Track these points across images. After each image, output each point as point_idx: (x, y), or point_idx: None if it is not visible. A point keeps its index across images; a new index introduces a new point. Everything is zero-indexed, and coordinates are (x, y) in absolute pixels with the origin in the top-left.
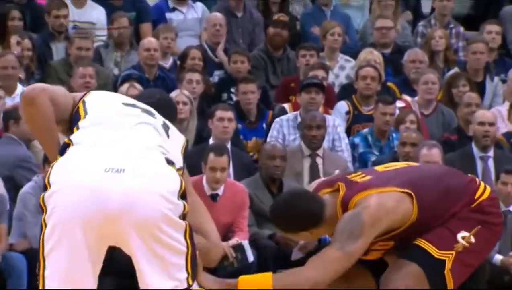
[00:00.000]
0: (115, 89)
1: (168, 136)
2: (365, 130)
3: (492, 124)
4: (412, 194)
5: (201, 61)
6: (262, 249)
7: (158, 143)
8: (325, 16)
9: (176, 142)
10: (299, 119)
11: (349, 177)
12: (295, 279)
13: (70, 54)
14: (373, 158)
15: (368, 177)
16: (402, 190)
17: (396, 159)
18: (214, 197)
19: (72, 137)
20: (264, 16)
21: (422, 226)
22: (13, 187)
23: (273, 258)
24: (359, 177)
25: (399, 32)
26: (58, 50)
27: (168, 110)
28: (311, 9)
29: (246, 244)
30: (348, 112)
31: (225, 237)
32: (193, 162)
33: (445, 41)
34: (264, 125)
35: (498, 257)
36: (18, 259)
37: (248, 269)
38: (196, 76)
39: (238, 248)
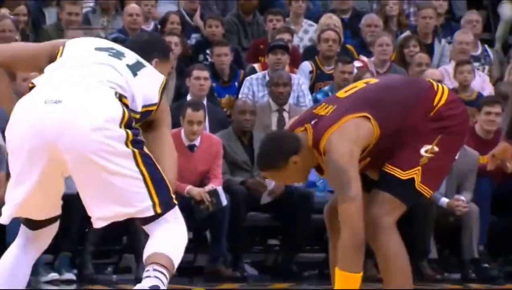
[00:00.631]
0: None
1: (135, 75)
2: (326, 87)
3: (440, 81)
4: (369, 116)
5: (179, 25)
6: (235, 194)
7: (109, 79)
8: None
9: (148, 80)
10: (267, 78)
11: (314, 111)
12: (344, 251)
13: (61, 18)
14: None
15: (330, 108)
16: (359, 115)
17: None
18: (191, 148)
19: (34, 80)
20: None
21: (390, 137)
22: None
23: (244, 203)
24: (323, 109)
25: (355, 2)
26: (50, 15)
27: (154, 49)
28: None
29: (220, 189)
30: (311, 72)
31: (201, 184)
32: (172, 116)
33: (398, 7)
34: (236, 83)
35: (444, 200)
36: None
37: (222, 211)
38: (175, 39)
39: (213, 193)
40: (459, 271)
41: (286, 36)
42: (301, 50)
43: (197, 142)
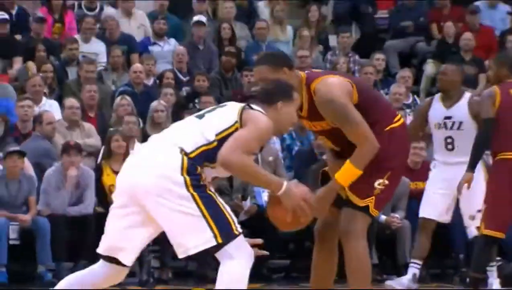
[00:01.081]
0: (112, 100)
1: (201, 117)
2: (291, 128)
3: None
4: (353, 84)
5: (173, 80)
6: None
7: (173, 135)
8: (261, 48)
9: (221, 112)
10: None
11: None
12: (363, 156)
13: (80, 75)
14: (296, 148)
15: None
16: (345, 80)
17: (312, 149)
18: None
19: None
20: (218, 48)
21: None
22: (40, 171)
23: None
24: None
25: (313, 60)
26: (71, 72)
27: (277, 94)
28: (252, 44)
29: None
30: None
31: None
32: None
33: (346, 65)
34: None
35: (382, 217)
36: (44, 222)
37: None
38: (170, 90)
39: None
40: (395, 274)
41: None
42: None
43: None
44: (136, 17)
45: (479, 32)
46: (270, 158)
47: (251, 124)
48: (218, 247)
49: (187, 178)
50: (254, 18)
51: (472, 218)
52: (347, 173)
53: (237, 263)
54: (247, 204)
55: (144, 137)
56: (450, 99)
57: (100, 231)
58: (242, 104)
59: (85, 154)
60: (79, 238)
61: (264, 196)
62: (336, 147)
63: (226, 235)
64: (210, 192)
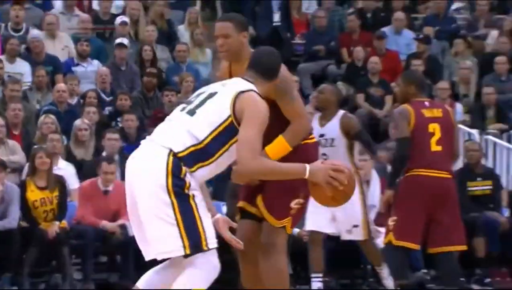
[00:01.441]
0: (37, 119)
1: (193, 114)
2: None
3: None
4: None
5: (96, 99)
6: None
7: (163, 136)
8: (182, 69)
9: (213, 107)
10: None
11: None
12: (296, 133)
13: (5, 94)
14: None
15: None
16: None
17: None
18: (106, 192)
19: None
20: (140, 69)
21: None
22: None
23: None
24: None
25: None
26: None
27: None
28: (172, 65)
29: (128, 223)
30: None
31: (114, 219)
32: (91, 168)
33: None
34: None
35: (296, 230)
36: None
37: (129, 241)
38: (93, 109)
39: (123, 226)
40: (307, 284)
41: None
42: None
43: (110, 188)
44: (60, 39)
45: (385, 56)
46: None
47: (252, 118)
48: (185, 257)
49: (170, 182)
50: (174, 41)
51: (349, 232)
52: (277, 146)
53: (198, 273)
54: None
55: (68, 155)
56: (325, 118)
57: (24, 245)
58: (234, 92)
59: (9, 170)
60: (4, 252)
61: (224, 209)
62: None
63: (194, 247)
64: (191, 202)
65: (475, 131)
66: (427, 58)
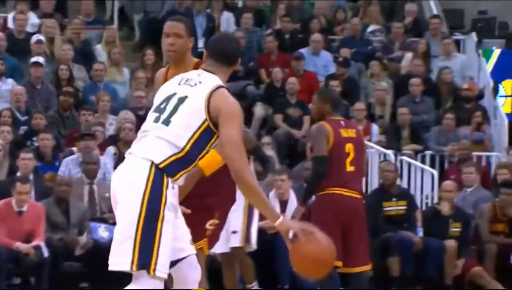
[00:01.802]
0: None
1: (168, 123)
2: None
3: None
4: None
5: (10, 118)
6: (54, 248)
7: (143, 148)
8: (99, 88)
9: (188, 112)
10: (80, 159)
11: None
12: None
13: None
14: None
15: None
16: None
17: None
18: (20, 213)
19: None
20: (56, 88)
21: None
22: None
23: (62, 255)
24: None
25: (149, 100)
26: None
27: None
28: (89, 84)
29: (42, 244)
30: (115, 154)
31: (28, 240)
32: (5, 188)
33: None
34: (57, 163)
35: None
36: None
37: (44, 262)
38: (7, 128)
39: (37, 247)
40: None
41: (99, 128)
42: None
43: (25, 208)
44: None
45: (303, 77)
46: (107, 194)
47: (231, 118)
48: (132, 273)
49: (146, 198)
50: (91, 60)
51: (228, 239)
52: (209, 158)
53: None
54: (83, 239)
55: None
56: None
57: None
58: (206, 93)
59: None
60: None
61: (100, 231)
62: None
63: (141, 266)
64: (158, 224)
65: (390, 152)
66: (345, 79)
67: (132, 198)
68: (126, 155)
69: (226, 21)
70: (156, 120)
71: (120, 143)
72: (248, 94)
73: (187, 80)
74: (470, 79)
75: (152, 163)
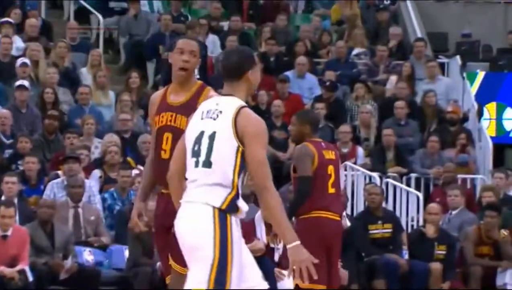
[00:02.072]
0: None
1: (210, 165)
2: (112, 189)
3: None
4: None
5: None
6: (39, 272)
7: (198, 195)
8: (84, 111)
9: (223, 146)
10: (65, 182)
11: None
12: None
13: None
14: (117, 207)
15: None
16: None
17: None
18: (4, 237)
19: None
20: (41, 111)
21: None
22: None
23: (46, 278)
24: None
25: (135, 123)
26: None
27: (244, 65)
28: (75, 107)
29: (27, 268)
30: (100, 177)
31: (13, 265)
32: None
33: None
34: (42, 186)
35: None
36: None
37: (29, 286)
38: None
39: (22, 271)
40: None
41: (84, 151)
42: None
43: (9, 232)
44: None
45: (288, 100)
46: (92, 217)
47: (258, 137)
48: None
49: (217, 235)
50: (77, 83)
51: None
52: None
53: None
54: (68, 263)
55: None
56: None
57: None
58: (230, 120)
59: None
60: None
61: (85, 255)
62: None
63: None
64: (228, 260)
65: (376, 175)
66: (331, 102)
67: (205, 243)
68: (184, 203)
69: (212, 44)
70: (196, 164)
71: (106, 166)
72: None
73: (207, 112)
74: (455, 102)
75: (213, 207)
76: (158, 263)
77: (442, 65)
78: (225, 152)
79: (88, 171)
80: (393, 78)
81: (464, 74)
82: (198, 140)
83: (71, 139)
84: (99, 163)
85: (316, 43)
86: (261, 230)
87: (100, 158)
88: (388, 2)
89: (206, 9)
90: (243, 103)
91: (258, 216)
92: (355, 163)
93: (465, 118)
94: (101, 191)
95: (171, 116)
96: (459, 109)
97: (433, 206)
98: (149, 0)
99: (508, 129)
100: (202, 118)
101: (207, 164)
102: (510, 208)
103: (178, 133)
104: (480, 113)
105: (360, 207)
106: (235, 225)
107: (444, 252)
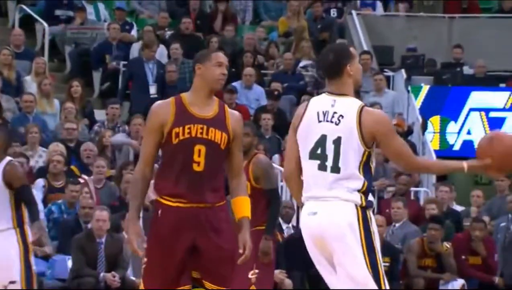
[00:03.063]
0: None
1: (339, 171)
2: (60, 201)
3: None
4: None
5: None
6: None
7: (340, 194)
8: (28, 120)
9: (348, 147)
10: None
11: None
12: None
13: None
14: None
15: None
16: None
17: (77, 219)
18: None
19: None
20: None
21: None
22: None
23: None
24: None
25: (80, 132)
26: None
27: (343, 60)
28: (19, 116)
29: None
30: (44, 186)
31: None
32: None
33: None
34: None
35: None
36: None
37: None
38: None
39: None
40: None
41: (21, 159)
42: (34, 170)
43: None
44: None
45: (235, 110)
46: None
47: (390, 130)
48: None
49: (361, 231)
50: (21, 92)
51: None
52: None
53: None
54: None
55: None
56: None
57: None
58: (354, 124)
59: None
60: None
61: (69, 263)
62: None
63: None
64: (376, 253)
65: None
66: (276, 112)
67: (352, 240)
68: (315, 200)
69: (159, 54)
70: (322, 168)
71: (49, 175)
72: None
73: (324, 115)
74: (399, 115)
75: (355, 204)
76: (102, 274)
77: (387, 79)
78: (353, 157)
79: (31, 180)
80: None
81: (409, 88)
82: (320, 144)
83: (14, 148)
84: (43, 172)
85: (264, 55)
86: None
87: (44, 167)
88: (335, 15)
89: (153, 19)
90: (360, 102)
91: None
92: None
93: (410, 132)
94: (44, 200)
95: (201, 128)
96: (403, 122)
97: (377, 218)
98: (95, 8)
99: (451, 143)
100: (319, 121)
101: (336, 169)
102: (453, 221)
103: (211, 146)
104: (424, 127)
105: None
106: (373, 219)
107: (387, 264)
